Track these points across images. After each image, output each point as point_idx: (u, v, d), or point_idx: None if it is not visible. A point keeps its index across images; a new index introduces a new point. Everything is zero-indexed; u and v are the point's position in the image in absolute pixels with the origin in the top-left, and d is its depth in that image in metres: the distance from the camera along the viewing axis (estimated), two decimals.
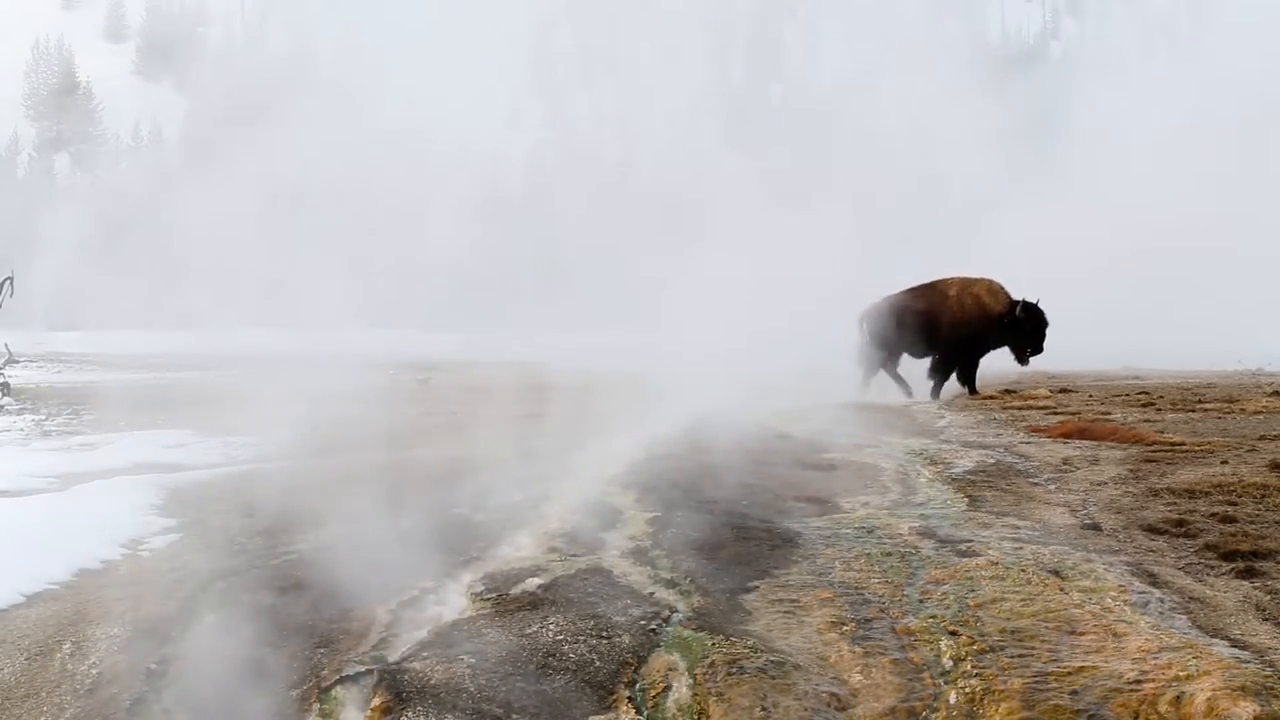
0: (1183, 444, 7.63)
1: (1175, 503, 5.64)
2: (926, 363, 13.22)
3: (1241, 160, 20.84)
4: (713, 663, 3.66)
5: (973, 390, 12.96)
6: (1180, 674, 3.32)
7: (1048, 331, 12.67)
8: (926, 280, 13.36)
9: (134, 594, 4.57)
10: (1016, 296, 12.72)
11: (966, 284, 13.03)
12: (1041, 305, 12.60)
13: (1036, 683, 3.38)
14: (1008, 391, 12.98)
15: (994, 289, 12.85)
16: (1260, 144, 20.95)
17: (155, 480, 6.95)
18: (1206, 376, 14.48)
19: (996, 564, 4.44)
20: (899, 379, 13.50)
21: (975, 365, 13.11)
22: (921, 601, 4.11)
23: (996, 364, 14.73)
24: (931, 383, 13.11)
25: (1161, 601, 4.00)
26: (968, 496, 5.99)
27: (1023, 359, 12.97)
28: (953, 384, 13.29)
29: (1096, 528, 5.19)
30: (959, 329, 12.84)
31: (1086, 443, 7.99)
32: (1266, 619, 3.87)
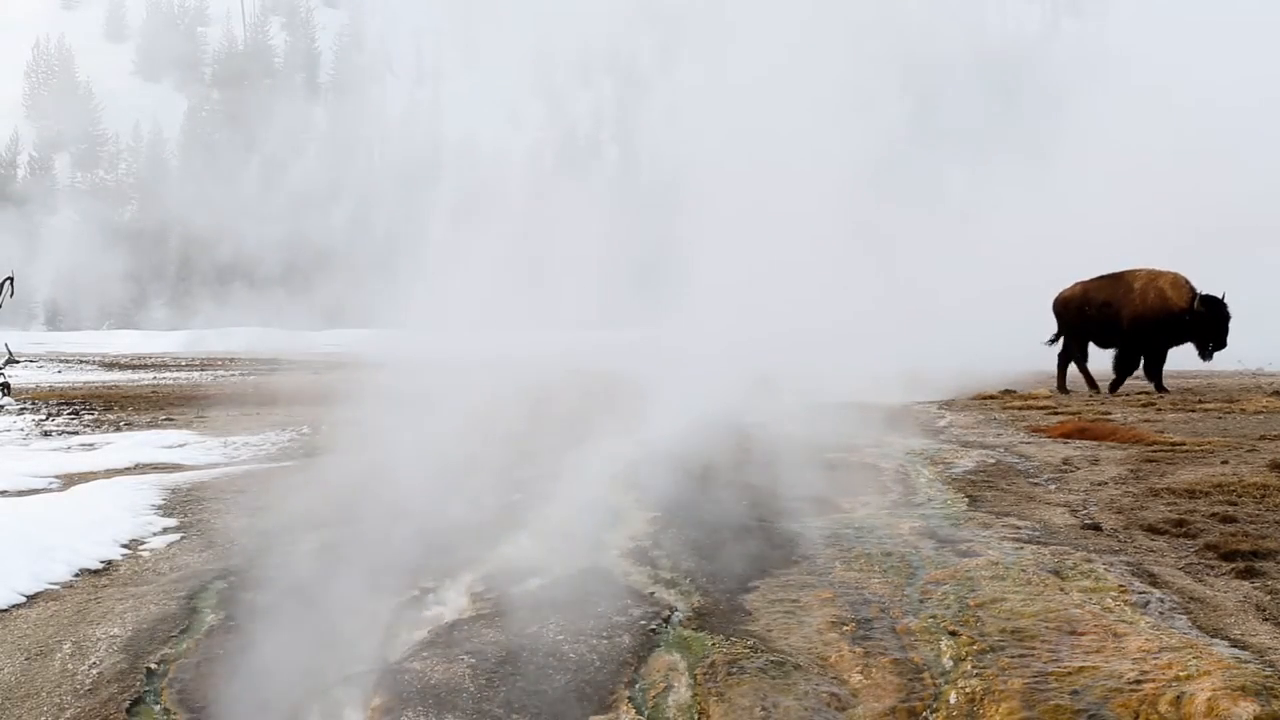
0: (1183, 444, 7.63)
1: (1175, 503, 5.64)
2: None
3: (1240, 160, 20.83)
4: (713, 663, 3.66)
5: (1160, 387, 12.77)
6: (1180, 674, 3.32)
7: (1229, 326, 12.39)
8: (1115, 270, 13.26)
9: (134, 594, 4.57)
10: (1202, 291, 12.45)
11: (1153, 276, 12.86)
12: (1224, 299, 12.32)
13: (1036, 683, 3.37)
14: (1008, 391, 12.98)
15: (1178, 282, 12.63)
16: (1260, 143, 20.94)
17: (156, 480, 6.96)
18: (1206, 376, 14.47)
19: (997, 564, 4.44)
20: (1085, 370, 13.42)
21: (1162, 360, 12.92)
22: (921, 601, 4.11)
23: (996, 364, 14.71)
24: (1114, 375, 13.07)
25: (1161, 601, 4.00)
26: (968, 496, 5.99)
27: (1204, 354, 12.71)
28: (947, 383, 13.27)
29: (1097, 528, 5.19)
30: (1140, 322, 12.70)
31: (1087, 443, 8.00)
32: (1266, 619, 3.87)
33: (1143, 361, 12.99)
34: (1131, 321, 12.78)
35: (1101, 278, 13.37)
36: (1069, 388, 13.61)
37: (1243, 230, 20.25)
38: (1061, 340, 13.81)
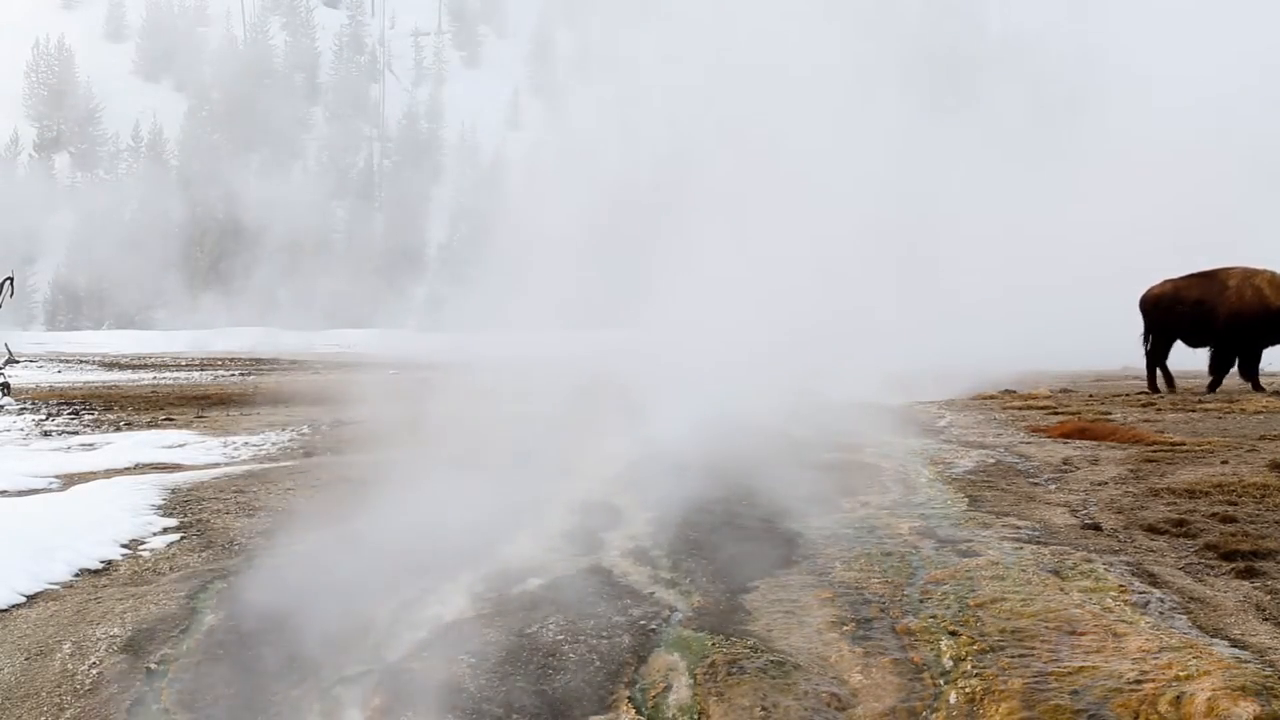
0: (1183, 444, 7.63)
1: (1175, 503, 5.64)
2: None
3: (1240, 160, 20.83)
4: (713, 663, 3.66)
5: (1257, 385, 12.59)
6: (1180, 674, 3.32)
7: None
8: (1207, 268, 13.04)
9: (134, 594, 4.57)
10: None
11: (1248, 275, 12.60)
12: None
13: (1036, 683, 3.37)
14: (1008, 391, 12.97)
15: (1276, 281, 12.38)
16: (1260, 143, 20.94)
17: (155, 480, 6.96)
18: (1206, 376, 14.47)
19: (997, 564, 4.44)
20: (1165, 369, 13.28)
21: (1257, 359, 12.68)
22: (921, 601, 4.11)
23: (996, 364, 14.68)
24: (1211, 376, 12.88)
25: (1162, 601, 4.00)
26: (968, 496, 5.99)
27: None
28: (948, 383, 13.23)
29: (1097, 528, 5.19)
30: (1236, 321, 12.47)
31: (1087, 443, 7.99)
32: (1266, 619, 3.87)
33: (1239, 361, 12.81)
34: (1227, 320, 12.53)
35: (1192, 275, 13.17)
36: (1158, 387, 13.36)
37: (1242, 230, 20.26)
38: (1151, 340, 13.63)
